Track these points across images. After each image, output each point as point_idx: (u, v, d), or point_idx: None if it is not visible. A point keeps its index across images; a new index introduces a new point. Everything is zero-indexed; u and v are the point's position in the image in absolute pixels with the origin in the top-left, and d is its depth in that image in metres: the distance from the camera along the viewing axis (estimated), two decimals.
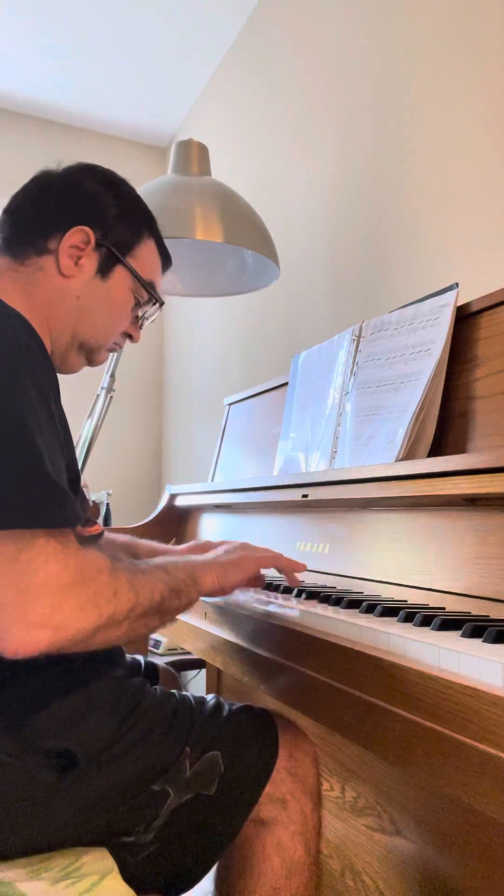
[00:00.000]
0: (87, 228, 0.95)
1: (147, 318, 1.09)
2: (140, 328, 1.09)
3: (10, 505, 0.67)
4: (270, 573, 1.21)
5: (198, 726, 0.88)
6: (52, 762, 0.79)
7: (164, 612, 0.81)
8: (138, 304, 1.04)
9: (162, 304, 1.08)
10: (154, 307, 1.07)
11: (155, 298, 1.06)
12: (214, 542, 1.16)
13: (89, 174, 0.99)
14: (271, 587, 1.09)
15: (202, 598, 0.98)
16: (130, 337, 1.08)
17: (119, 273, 0.99)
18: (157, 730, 0.85)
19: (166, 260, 1.08)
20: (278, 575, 1.11)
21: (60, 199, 0.96)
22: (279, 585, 1.07)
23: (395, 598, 0.94)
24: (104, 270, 0.98)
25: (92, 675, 0.86)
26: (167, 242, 1.11)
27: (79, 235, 0.95)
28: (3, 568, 0.66)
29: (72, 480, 0.85)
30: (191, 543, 1.17)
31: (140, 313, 1.06)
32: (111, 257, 0.98)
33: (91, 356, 1.03)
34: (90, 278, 0.97)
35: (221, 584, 0.89)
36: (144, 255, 1.02)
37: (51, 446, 0.74)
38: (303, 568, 1.02)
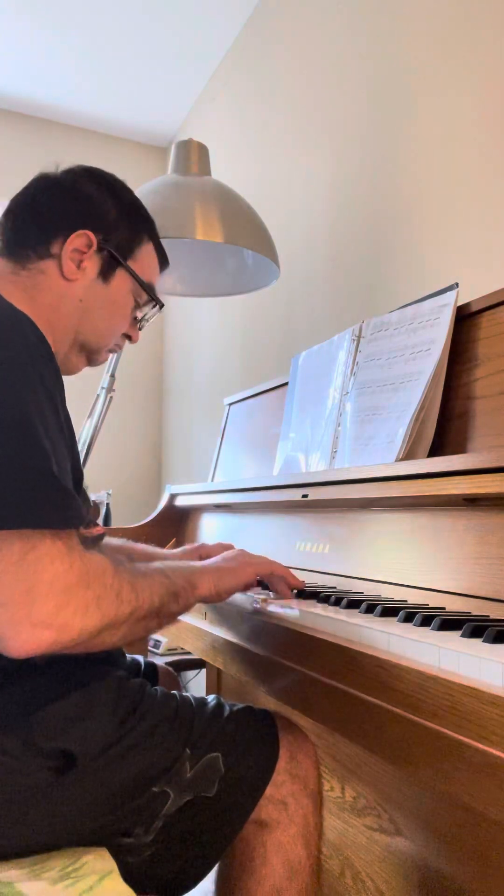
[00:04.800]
0: (89, 232, 0.95)
1: (147, 320, 1.10)
2: (140, 329, 1.10)
3: (17, 505, 0.68)
4: None
5: (198, 728, 0.88)
6: (52, 763, 0.79)
7: (162, 616, 0.82)
8: (137, 306, 1.05)
9: (162, 305, 1.09)
10: (154, 309, 1.08)
11: (155, 300, 1.07)
12: (208, 546, 1.17)
13: (88, 177, 0.99)
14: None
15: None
16: (129, 338, 1.09)
17: (120, 276, 1.00)
18: (157, 731, 0.85)
19: (164, 262, 1.09)
20: None
21: (61, 202, 0.97)
22: None
23: (395, 598, 0.94)
24: (106, 273, 0.98)
25: (92, 676, 0.86)
26: (167, 242, 1.11)
27: (82, 239, 0.95)
28: (11, 567, 0.68)
29: (76, 481, 0.86)
30: (185, 547, 1.18)
31: (139, 315, 1.08)
32: (112, 260, 0.98)
33: (91, 357, 1.04)
34: (92, 281, 0.97)
35: (217, 589, 0.90)
36: (144, 258, 1.03)
37: (57, 448, 0.75)
38: (301, 585, 1.03)
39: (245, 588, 0.95)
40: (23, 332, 0.78)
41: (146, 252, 1.03)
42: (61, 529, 0.71)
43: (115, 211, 0.98)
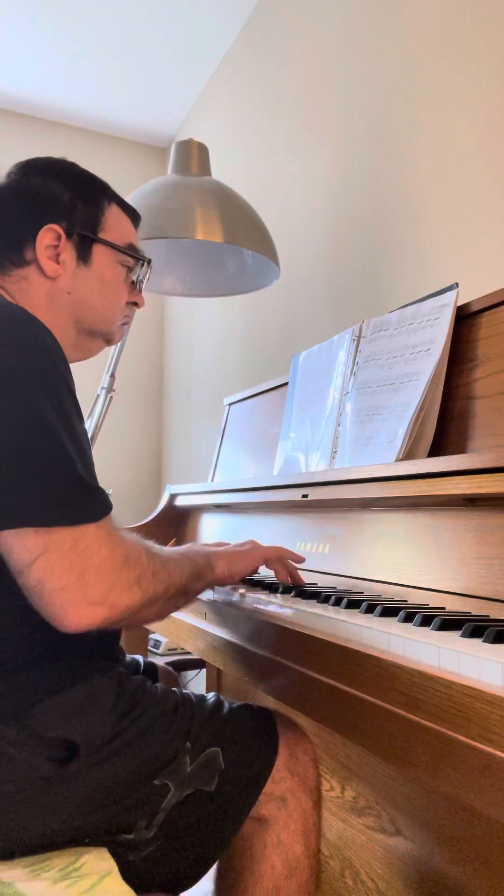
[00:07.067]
0: (53, 225, 0.96)
1: (142, 280, 1.09)
2: (140, 291, 1.10)
3: (59, 507, 0.75)
4: (269, 573, 1.21)
5: (198, 722, 0.88)
6: (54, 753, 0.79)
7: (188, 593, 0.90)
8: (129, 272, 1.05)
9: (149, 261, 1.08)
10: (144, 267, 1.08)
11: (140, 258, 1.06)
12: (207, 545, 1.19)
13: (29, 172, 0.99)
14: (272, 587, 1.10)
15: (198, 597, 1.06)
16: (135, 304, 1.09)
17: (99, 252, 1.00)
18: (157, 725, 0.86)
19: (134, 216, 1.08)
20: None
21: (15, 209, 0.97)
22: (279, 585, 1.08)
23: (395, 598, 0.94)
24: (84, 256, 0.99)
25: (94, 670, 0.86)
26: (167, 242, 1.11)
27: (49, 234, 0.96)
28: (64, 556, 0.74)
29: None
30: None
31: (133, 278, 1.07)
32: (86, 240, 0.99)
33: (106, 338, 1.06)
34: (74, 269, 0.98)
35: (230, 571, 0.98)
36: (113, 223, 1.02)
37: (82, 444, 0.80)
38: (301, 560, 1.09)
39: (254, 571, 1.02)
40: (39, 334, 0.80)
41: (113, 216, 1.02)
42: (99, 519, 0.77)
43: (68, 192, 0.98)
